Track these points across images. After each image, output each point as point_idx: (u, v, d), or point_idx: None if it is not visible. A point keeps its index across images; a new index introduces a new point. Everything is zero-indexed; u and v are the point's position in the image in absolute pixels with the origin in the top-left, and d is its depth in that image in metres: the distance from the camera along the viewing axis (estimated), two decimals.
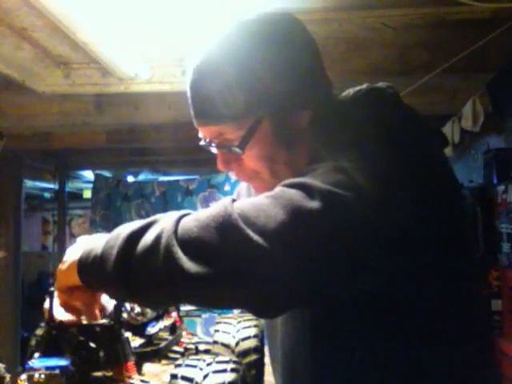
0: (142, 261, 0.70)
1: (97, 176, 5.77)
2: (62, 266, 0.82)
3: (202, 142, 0.90)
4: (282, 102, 0.83)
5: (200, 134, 0.90)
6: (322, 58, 0.89)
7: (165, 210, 4.82)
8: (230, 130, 0.84)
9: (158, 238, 0.69)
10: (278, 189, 0.73)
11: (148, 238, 0.71)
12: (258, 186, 0.91)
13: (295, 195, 0.70)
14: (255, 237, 0.66)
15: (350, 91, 0.92)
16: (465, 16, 2.24)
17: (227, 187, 4.36)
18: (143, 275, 0.70)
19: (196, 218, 0.71)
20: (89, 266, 0.76)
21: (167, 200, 4.88)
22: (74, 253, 0.82)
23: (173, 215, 0.73)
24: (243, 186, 1.12)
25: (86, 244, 0.80)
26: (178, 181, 5.00)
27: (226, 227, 0.68)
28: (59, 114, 3.31)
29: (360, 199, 0.69)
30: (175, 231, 0.69)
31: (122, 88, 2.68)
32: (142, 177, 6.19)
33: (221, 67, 0.83)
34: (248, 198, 1.07)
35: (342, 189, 0.69)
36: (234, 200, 0.75)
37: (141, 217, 4.98)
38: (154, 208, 4.93)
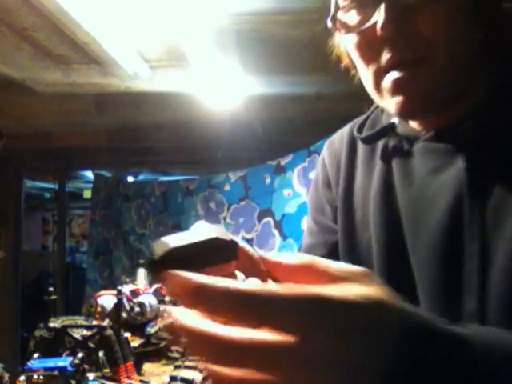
0: None
1: (97, 176, 5.76)
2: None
3: None
4: None
5: None
6: None
7: (165, 210, 4.82)
8: None
9: None
10: None
11: None
12: (413, 84, 0.59)
13: None
14: None
15: None
16: None
17: (227, 187, 4.35)
18: None
19: None
20: None
21: (167, 200, 4.87)
22: None
23: None
24: (336, 151, 0.82)
25: None
26: (178, 181, 4.98)
27: None
28: (59, 113, 3.31)
29: None
30: None
31: (122, 88, 2.68)
32: (142, 177, 6.18)
33: None
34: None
35: None
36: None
37: (141, 217, 4.97)
38: (154, 208, 4.93)
